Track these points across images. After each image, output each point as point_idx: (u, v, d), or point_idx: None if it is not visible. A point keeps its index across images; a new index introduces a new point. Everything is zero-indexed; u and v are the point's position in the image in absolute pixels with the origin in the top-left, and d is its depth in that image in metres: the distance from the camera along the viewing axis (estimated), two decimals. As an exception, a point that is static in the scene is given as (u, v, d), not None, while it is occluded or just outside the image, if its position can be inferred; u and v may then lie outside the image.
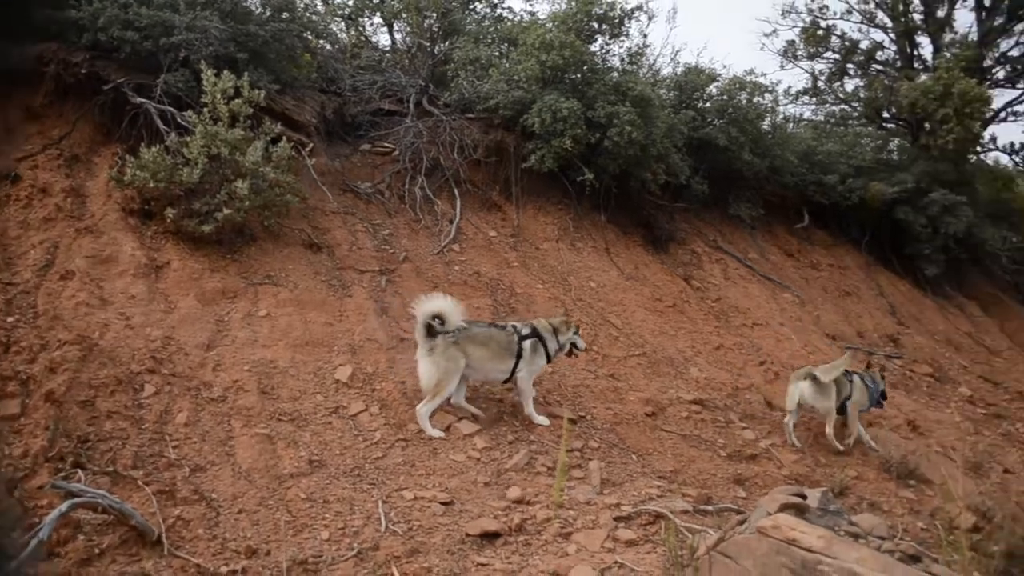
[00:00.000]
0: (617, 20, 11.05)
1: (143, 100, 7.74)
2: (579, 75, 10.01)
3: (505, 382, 6.61)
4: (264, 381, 6.04)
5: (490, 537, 4.81)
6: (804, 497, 4.23)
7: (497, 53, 10.80)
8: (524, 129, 9.69)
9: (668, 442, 6.87)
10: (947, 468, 7.54)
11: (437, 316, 6.14)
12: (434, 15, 11.02)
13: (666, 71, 13.11)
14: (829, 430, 7.50)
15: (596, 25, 10.92)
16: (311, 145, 8.51)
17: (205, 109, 7.27)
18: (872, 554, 3.60)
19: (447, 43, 10.81)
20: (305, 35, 9.66)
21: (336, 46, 11.58)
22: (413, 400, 6.25)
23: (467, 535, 4.80)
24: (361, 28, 12.13)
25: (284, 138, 7.64)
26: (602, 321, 8.47)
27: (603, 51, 11.27)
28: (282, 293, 7.02)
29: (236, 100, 7.30)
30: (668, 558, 4.09)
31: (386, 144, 9.69)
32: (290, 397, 6.00)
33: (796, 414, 7.60)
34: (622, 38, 11.43)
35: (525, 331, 6.52)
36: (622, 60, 11.74)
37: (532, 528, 4.98)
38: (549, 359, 6.68)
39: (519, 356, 6.42)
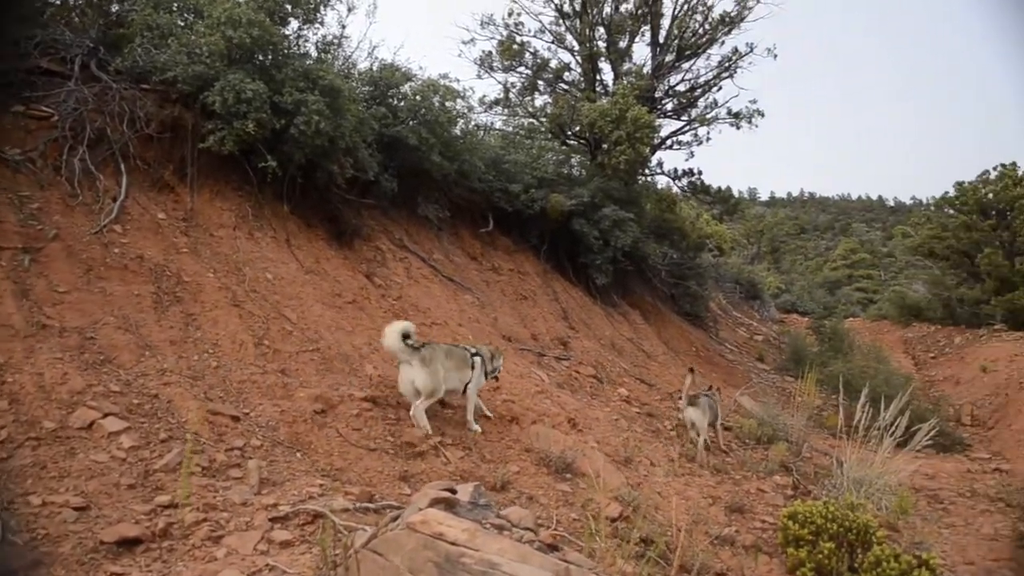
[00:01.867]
0: (312, 6, 10.78)
1: None
2: (268, 57, 9.57)
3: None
4: None
5: (129, 544, 4.45)
6: (455, 492, 4.35)
7: (180, 23, 10.05)
8: (204, 107, 9.02)
9: (336, 440, 6.77)
10: (600, 462, 8.15)
11: (406, 335, 7.29)
12: (111, -30, 10.01)
13: (362, 65, 13.03)
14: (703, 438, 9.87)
15: (289, 8, 10.56)
16: (-59, 99, 7.37)
17: None
18: (513, 545, 3.78)
19: (124, 3, 9.88)
20: (-55, -28, 8.35)
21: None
22: (51, 394, 5.62)
23: (102, 543, 4.40)
24: (21, -27, 10.73)
25: (-93, 88, 6.56)
26: (276, 315, 8.17)
27: (296, 36, 10.94)
28: None
29: None
30: (321, 558, 4.02)
31: (44, 108, 8.56)
32: None
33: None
34: (317, 25, 11.21)
35: (472, 351, 8.03)
36: (317, 47, 11.51)
37: (179, 533, 4.68)
38: (486, 378, 8.20)
39: (472, 369, 7.92)
